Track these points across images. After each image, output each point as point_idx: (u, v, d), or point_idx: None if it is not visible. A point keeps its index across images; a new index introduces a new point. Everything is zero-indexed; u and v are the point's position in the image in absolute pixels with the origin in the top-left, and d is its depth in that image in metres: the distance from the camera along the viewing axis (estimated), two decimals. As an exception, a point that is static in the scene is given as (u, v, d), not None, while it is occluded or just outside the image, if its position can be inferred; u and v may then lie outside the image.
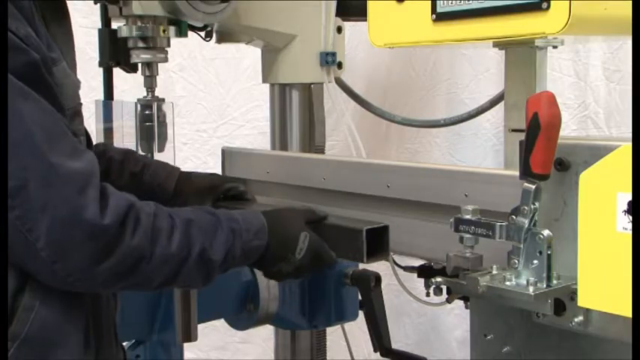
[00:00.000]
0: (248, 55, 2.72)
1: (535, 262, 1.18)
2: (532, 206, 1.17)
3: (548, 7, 1.30)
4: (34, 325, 1.17)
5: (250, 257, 1.37)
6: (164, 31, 1.84)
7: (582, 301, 1.10)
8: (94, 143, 1.55)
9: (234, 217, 1.36)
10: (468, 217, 1.24)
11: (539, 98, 1.16)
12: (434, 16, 1.49)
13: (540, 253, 1.17)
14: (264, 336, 2.77)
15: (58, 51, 1.24)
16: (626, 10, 1.19)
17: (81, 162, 1.15)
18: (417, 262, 1.64)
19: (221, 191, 1.69)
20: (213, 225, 1.31)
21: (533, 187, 1.17)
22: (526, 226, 1.18)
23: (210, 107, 2.92)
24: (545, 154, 1.16)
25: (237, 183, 1.74)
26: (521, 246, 1.18)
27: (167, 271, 1.24)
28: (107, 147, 1.71)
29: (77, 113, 1.30)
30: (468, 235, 1.24)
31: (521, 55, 1.47)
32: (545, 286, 1.17)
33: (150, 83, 1.89)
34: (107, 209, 1.14)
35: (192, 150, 2.87)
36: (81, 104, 1.32)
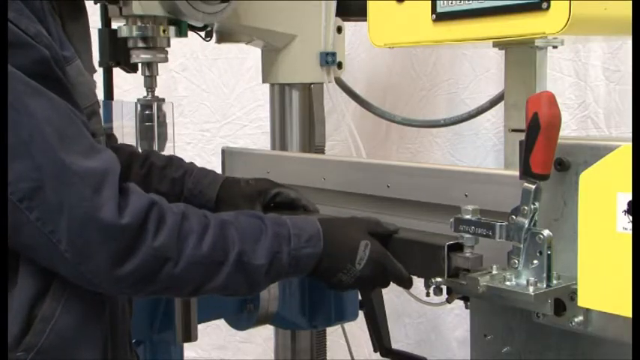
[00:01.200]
0: (251, 55, 2.72)
1: (535, 262, 1.18)
2: (532, 206, 1.17)
3: (548, 7, 1.30)
4: (51, 335, 1.14)
5: (302, 266, 1.27)
6: (164, 31, 1.84)
7: (582, 301, 1.10)
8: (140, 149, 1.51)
9: (282, 222, 1.27)
10: (467, 217, 1.24)
11: (540, 98, 1.16)
12: (434, 16, 1.49)
13: (540, 253, 1.17)
14: (264, 336, 2.77)
15: (72, 49, 1.21)
16: (626, 10, 1.19)
17: (97, 161, 1.11)
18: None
19: (268, 197, 1.58)
20: (257, 228, 1.24)
21: (534, 187, 1.17)
22: (526, 226, 1.18)
23: (214, 107, 2.93)
24: (545, 154, 1.15)
25: (289, 189, 1.60)
26: (521, 246, 1.18)
27: (199, 275, 1.18)
28: (151, 153, 1.66)
29: (94, 113, 1.27)
30: (468, 235, 1.24)
31: (521, 55, 1.47)
32: (545, 286, 1.17)
33: (150, 83, 1.89)
34: (126, 209, 1.10)
35: (195, 150, 2.87)
36: (98, 104, 1.29)
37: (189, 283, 1.18)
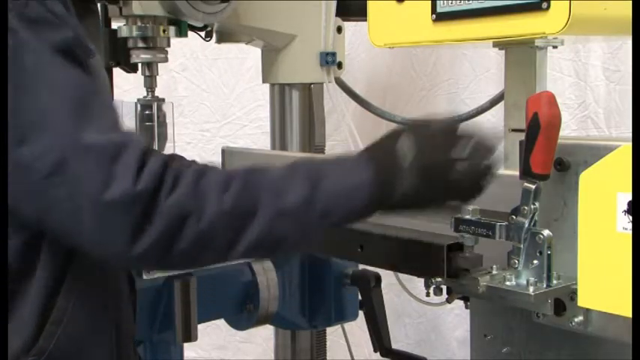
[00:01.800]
0: (251, 55, 2.72)
1: (535, 262, 1.18)
2: (532, 206, 1.17)
3: (548, 7, 1.30)
4: (62, 338, 1.13)
5: (355, 197, 1.10)
6: (164, 31, 1.84)
7: (582, 301, 1.10)
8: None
9: (315, 160, 1.16)
10: (468, 217, 1.24)
11: (539, 98, 1.16)
12: (434, 16, 1.49)
13: (540, 253, 1.17)
14: (265, 336, 2.77)
15: (93, 45, 1.19)
16: (626, 10, 1.19)
17: (119, 136, 1.07)
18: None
19: None
20: (287, 169, 1.12)
21: (534, 186, 1.17)
22: (526, 226, 1.18)
23: (214, 107, 2.93)
24: (545, 154, 1.15)
25: None
26: (521, 246, 1.18)
27: (230, 226, 1.07)
28: None
29: None
30: (468, 235, 1.24)
31: (521, 55, 1.47)
32: (545, 286, 1.17)
33: (150, 83, 1.89)
34: (142, 174, 1.03)
35: (195, 150, 2.87)
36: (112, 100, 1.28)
37: (222, 237, 1.07)
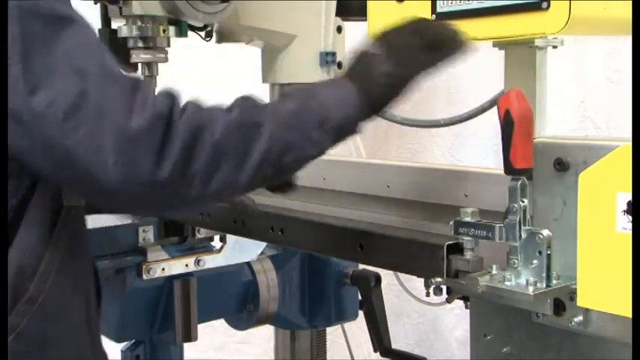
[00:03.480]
0: (250, 55, 2.72)
1: (535, 262, 1.18)
2: (521, 203, 1.18)
3: (548, 7, 1.30)
4: (37, 317, 1.17)
5: (346, 104, 1.21)
6: (164, 31, 1.84)
7: (582, 301, 1.10)
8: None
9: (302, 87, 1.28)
10: (467, 219, 1.24)
11: (509, 96, 1.20)
12: (434, 16, 1.48)
13: (540, 253, 1.17)
14: (263, 336, 2.77)
15: None
16: (626, 10, 1.19)
17: (128, 73, 1.15)
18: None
19: None
20: (279, 97, 1.28)
21: (519, 183, 1.18)
22: (518, 223, 1.18)
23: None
24: (523, 148, 1.17)
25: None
26: (517, 244, 1.19)
27: (242, 135, 1.13)
28: None
29: None
30: (467, 238, 1.24)
31: (521, 55, 1.47)
32: (544, 286, 1.17)
33: (149, 83, 1.89)
34: (156, 103, 1.10)
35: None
36: None
37: (235, 148, 1.12)
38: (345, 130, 1.23)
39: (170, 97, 1.13)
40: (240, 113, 1.15)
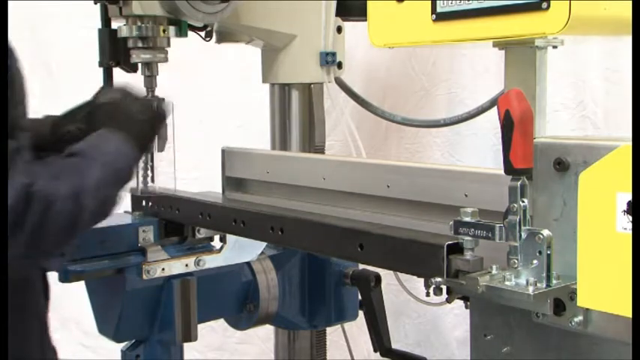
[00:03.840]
0: (251, 55, 2.72)
1: (535, 262, 1.18)
2: (521, 203, 1.18)
3: (548, 7, 1.30)
4: None
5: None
6: (164, 31, 1.84)
7: (582, 301, 1.10)
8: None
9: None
10: (467, 219, 1.24)
11: (509, 96, 1.19)
12: (434, 16, 1.48)
13: (540, 253, 1.17)
14: (262, 336, 2.77)
15: None
16: (626, 10, 1.19)
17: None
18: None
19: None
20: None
21: (519, 183, 1.18)
22: (518, 223, 1.18)
23: (214, 107, 2.92)
24: (523, 148, 1.17)
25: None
26: (517, 244, 1.19)
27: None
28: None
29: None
30: (467, 238, 1.24)
31: (521, 55, 1.47)
32: (544, 286, 1.17)
33: (149, 83, 1.89)
34: None
35: (196, 150, 2.86)
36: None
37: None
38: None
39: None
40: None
